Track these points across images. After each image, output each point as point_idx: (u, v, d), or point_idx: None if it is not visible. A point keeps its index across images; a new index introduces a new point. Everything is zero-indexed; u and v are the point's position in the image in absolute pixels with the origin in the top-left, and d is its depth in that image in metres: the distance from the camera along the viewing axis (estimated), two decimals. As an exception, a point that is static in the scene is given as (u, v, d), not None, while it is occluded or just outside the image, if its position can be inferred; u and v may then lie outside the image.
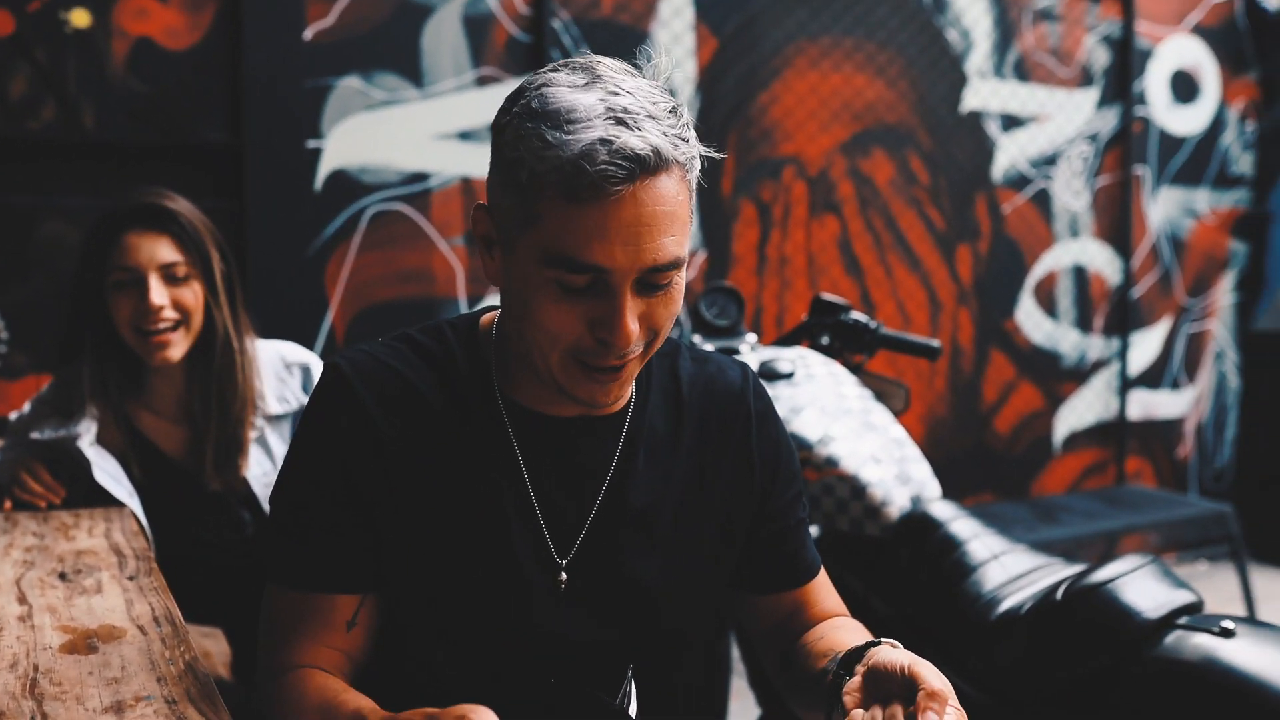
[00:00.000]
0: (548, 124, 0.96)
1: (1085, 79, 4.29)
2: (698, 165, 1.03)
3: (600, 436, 1.15)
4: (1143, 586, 1.61)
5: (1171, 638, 1.55)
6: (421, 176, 3.13)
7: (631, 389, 1.17)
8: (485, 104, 3.18)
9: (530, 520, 1.12)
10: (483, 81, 3.17)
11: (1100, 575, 1.61)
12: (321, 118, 2.98)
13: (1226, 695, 1.45)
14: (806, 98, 3.71)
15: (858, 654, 1.03)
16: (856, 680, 0.99)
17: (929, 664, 0.96)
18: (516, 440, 1.12)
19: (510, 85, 3.16)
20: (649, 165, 0.95)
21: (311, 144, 2.97)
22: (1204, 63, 4.59)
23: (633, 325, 1.00)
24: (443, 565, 1.10)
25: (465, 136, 3.17)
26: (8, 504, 1.70)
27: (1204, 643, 1.51)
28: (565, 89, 0.97)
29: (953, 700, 0.92)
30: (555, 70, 1.02)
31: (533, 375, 1.10)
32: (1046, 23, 4.18)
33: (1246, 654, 1.47)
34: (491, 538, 1.10)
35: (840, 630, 1.22)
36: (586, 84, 0.98)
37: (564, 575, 1.12)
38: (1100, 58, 4.31)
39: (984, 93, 4.06)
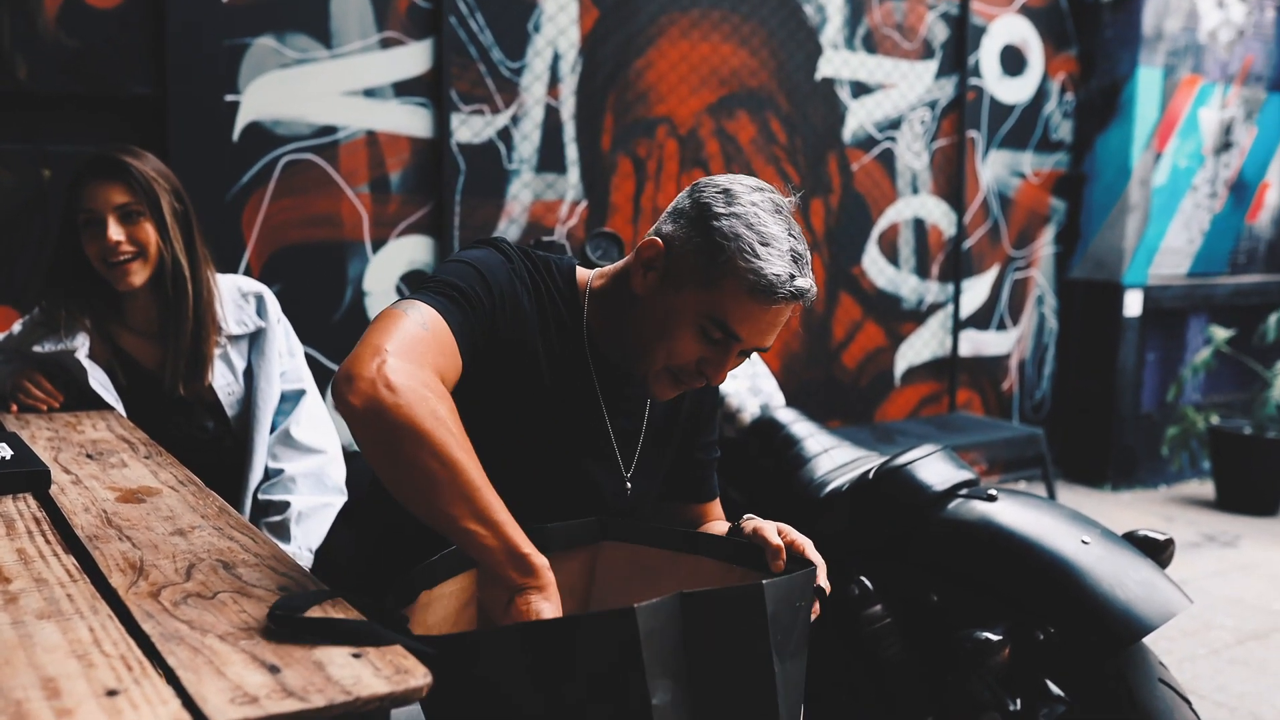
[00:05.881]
0: (758, 240, 1.39)
1: (926, 52, 4.74)
2: None
3: (636, 384, 1.56)
4: (933, 467, 2.09)
5: (953, 504, 2.04)
6: (330, 129, 3.42)
7: None
8: (388, 64, 3.47)
9: (606, 445, 1.55)
10: (386, 44, 3.47)
11: (901, 460, 2.08)
12: (239, 74, 3.24)
13: (988, 541, 1.94)
14: (678, 64, 4.09)
15: (735, 531, 1.51)
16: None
17: (755, 517, 1.45)
18: (599, 383, 1.54)
19: (412, 47, 3.49)
20: (799, 300, 1.41)
21: (229, 98, 3.23)
22: (1030, 40, 5.08)
23: (729, 373, 1.49)
24: (526, 450, 1.49)
25: (370, 94, 3.46)
26: (13, 408, 2.00)
27: (975, 506, 2.00)
28: (768, 215, 1.42)
29: (772, 527, 1.42)
30: (752, 191, 1.45)
31: (618, 343, 1.51)
32: (892, 0, 4.64)
33: (1004, 512, 1.96)
34: (578, 451, 1.53)
35: (717, 525, 1.72)
36: (775, 212, 1.43)
37: (629, 485, 1.58)
38: (940, 33, 4.77)
39: (836, 62, 4.49)
